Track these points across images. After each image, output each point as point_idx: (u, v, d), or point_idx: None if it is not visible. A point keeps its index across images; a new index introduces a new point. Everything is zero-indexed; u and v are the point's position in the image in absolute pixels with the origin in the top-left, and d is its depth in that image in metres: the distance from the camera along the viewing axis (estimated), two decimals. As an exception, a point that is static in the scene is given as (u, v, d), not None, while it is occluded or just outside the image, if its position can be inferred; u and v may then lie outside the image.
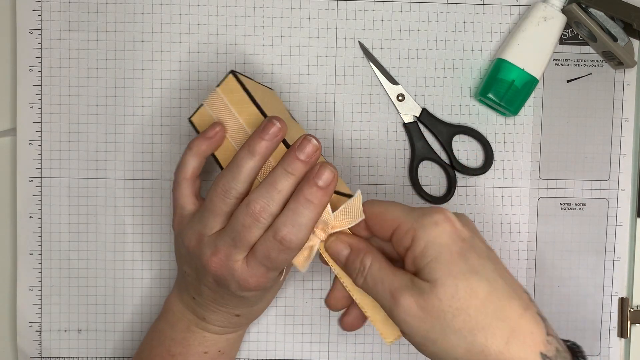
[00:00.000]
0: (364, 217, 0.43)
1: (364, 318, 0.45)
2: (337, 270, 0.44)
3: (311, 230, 0.43)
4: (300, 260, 0.45)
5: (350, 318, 0.46)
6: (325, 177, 0.42)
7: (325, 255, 0.45)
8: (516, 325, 0.38)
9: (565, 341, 0.41)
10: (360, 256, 0.42)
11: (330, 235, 0.44)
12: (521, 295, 0.40)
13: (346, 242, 0.44)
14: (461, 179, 0.56)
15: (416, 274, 0.40)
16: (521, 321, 0.38)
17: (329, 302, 0.46)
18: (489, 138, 0.55)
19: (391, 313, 0.40)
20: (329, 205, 0.43)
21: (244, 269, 0.43)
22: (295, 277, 0.56)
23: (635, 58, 0.54)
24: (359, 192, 0.44)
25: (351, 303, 0.45)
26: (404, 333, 0.41)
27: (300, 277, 0.56)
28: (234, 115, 0.46)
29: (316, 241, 0.44)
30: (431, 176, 0.56)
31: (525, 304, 0.39)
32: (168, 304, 0.51)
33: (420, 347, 0.40)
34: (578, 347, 0.40)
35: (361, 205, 0.44)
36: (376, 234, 0.44)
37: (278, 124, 0.43)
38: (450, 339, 0.38)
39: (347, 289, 0.44)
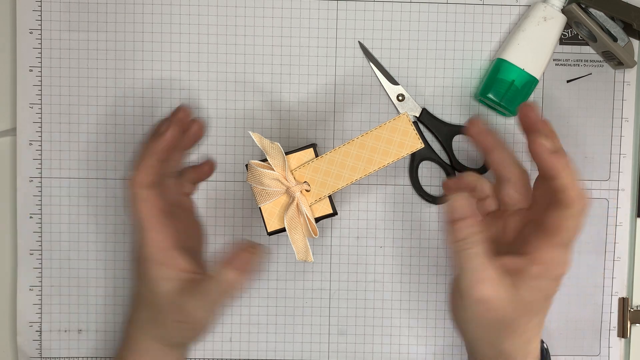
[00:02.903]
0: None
1: None
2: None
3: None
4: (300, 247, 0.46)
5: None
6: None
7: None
8: (532, 347, 0.45)
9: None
10: (475, 229, 0.43)
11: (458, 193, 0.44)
12: None
13: (470, 208, 0.43)
14: (461, 179, 0.56)
15: (512, 274, 0.43)
16: (536, 342, 0.46)
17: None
18: (489, 138, 0.55)
19: (467, 291, 0.42)
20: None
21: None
22: (296, 277, 0.56)
23: (635, 58, 0.54)
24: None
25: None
26: (456, 300, 0.44)
27: (300, 277, 0.56)
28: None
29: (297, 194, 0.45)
30: (431, 176, 0.56)
31: None
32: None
33: (459, 323, 0.45)
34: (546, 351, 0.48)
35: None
36: (546, 173, 0.44)
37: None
38: (491, 339, 0.44)
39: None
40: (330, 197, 0.46)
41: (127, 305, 0.50)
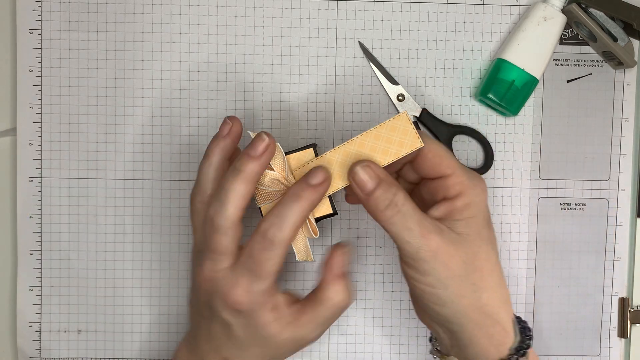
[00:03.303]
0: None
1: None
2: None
3: (297, 228, 0.42)
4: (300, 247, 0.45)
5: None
6: (317, 176, 0.42)
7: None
8: (506, 297, 0.45)
9: (518, 320, 0.47)
10: (393, 190, 0.41)
11: (357, 163, 0.43)
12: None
13: (375, 174, 0.42)
14: (461, 179, 0.56)
15: (441, 221, 0.42)
16: (507, 295, 0.45)
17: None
18: (489, 138, 0.55)
19: (417, 251, 0.41)
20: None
21: (227, 277, 0.42)
22: (295, 277, 0.56)
23: (635, 58, 0.54)
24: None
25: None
26: (421, 274, 0.42)
27: (301, 277, 0.56)
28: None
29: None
30: (431, 176, 0.56)
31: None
32: None
33: (428, 290, 0.42)
34: (528, 327, 0.47)
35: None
36: (420, 171, 0.44)
37: (267, 139, 0.42)
38: (461, 289, 0.42)
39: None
40: (330, 197, 0.46)
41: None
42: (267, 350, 0.44)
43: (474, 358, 0.44)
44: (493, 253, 0.44)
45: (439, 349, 0.49)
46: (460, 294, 0.42)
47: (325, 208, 0.47)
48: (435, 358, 0.49)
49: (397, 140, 0.44)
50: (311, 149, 0.46)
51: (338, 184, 0.45)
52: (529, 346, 0.45)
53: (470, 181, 0.43)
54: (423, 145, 0.43)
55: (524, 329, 0.46)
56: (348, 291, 0.44)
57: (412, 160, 0.45)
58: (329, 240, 0.56)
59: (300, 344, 0.45)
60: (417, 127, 0.55)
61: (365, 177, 0.41)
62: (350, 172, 0.42)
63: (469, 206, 0.42)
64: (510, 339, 0.44)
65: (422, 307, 0.45)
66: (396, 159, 0.44)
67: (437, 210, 0.43)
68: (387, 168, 0.44)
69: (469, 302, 0.43)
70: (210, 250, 0.42)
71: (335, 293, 0.43)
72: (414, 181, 0.47)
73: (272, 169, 0.45)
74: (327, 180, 0.43)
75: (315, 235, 0.46)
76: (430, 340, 0.51)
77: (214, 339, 0.45)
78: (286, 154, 0.46)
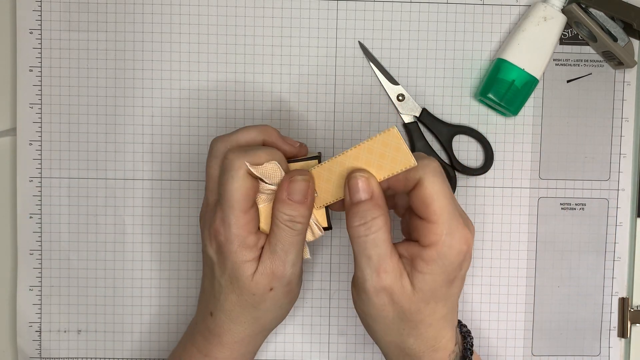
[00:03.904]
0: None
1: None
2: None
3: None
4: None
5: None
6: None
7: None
8: (438, 344, 0.44)
9: (462, 329, 0.47)
10: (376, 213, 0.41)
11: (360, 170, 0.42)
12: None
13: (370, 189, 0.41)
14: (461, 179, 0.56)
15: (405, 259, 0.42)
16: (442, 340, 0.44)
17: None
18: (489, 138, 0.55)
19: (364, 282, 0.42)
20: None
21: (213, 210, 0.45)
22: (295, 277, 0.56)
23: (635, 58, 0.54)
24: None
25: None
26: (361, 301, 0.44)
27: (300, 277, 0.56)
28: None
29: None
30: (431, 176, 0.56)
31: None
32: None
33: (361, 314, 0.45)
34: (469, 338, 0.47)
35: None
36: (410, 201, 0.43)
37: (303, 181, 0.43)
38: (388, 329, 0.43)
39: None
40: (327, 211, 0.46)
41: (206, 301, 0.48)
42: (244, 298, 0.45)
43: None
44: (443, 308, 0.43)
45: None
46: (386, 332, 0.44)
47: (321, 221, 0.46)
48: None
49: (390, 156, 0.42)
50: (316, 161, 0.46)
51: (332, 196, 0.45)
52: (470, 353, 0.45)
53: (450, 237, 0.41)
54: (416, 164, 0.41)
55: (465, 335, 0.47)
56: (296, 206, 0.44)
57: (413, 188, 0.42)
58: (329, 240, 0.56)
59: (278, 296, 0.45)
60: (418, 128, 0.55)
61: (360, 186, 0.41)
62: (349, 176, 0.42)
63: (435, 261, 0.41)
64: None
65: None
66: (391, 175, 0.42)
67: (406, 249, 0.42)
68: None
69: (392, 339, 0.44)
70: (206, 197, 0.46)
71: (284, 208, 0.44)
72: (402, 207, 0.47)
73: (271, 184, 0.45)
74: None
75: (314, 238, 0.46)
76: None
77: (204, 291, 0.47)
78: (290, 162, 0.46)
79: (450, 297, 0.43)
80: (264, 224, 0.45)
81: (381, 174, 0.42)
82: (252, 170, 0.43)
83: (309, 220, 0.45)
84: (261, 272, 0.44)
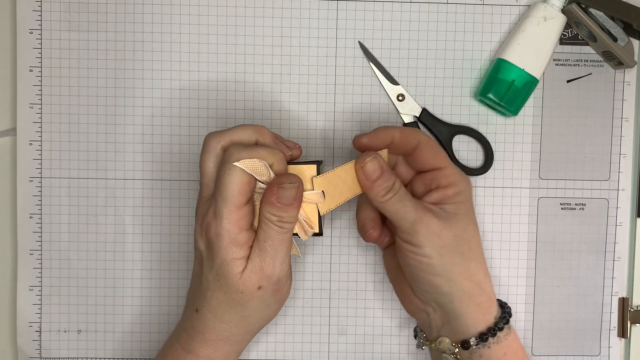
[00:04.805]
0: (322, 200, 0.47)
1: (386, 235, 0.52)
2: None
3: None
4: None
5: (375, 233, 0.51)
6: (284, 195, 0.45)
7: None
8: (487, 271, 0.49)
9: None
10: (393, 177, 0.47)
11: (367, 154, 0.47)
12: None
13: (380, 165, 0.47)
14: (461, 179, 0.56)
15: (434, 205, 0.48)
16: (487, 269, 0.50)
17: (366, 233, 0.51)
18: (489, 138, 0.55)
19: (412, 224, 0.46)
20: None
21: (206, 204, 0.46)
22: (296, 277, 0.56)
23: (635, 58, 0.54)
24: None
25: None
26: (416, 246, 0.46)
27: (301, 277, 0.56)
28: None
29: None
30: (431, 176, 0.56)
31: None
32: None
33: (425, 261, 0.47)
34: (504, 302, 0.51)
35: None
36: (416, 164, 0.49)
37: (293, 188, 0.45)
38: (453, 257, 0.47)
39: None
40: (320, 218, 0.47)
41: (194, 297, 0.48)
42: (231, 296, 0.45)
43: (464, 329, 0.48)
44: (477, 233, 0.49)
45: (424, 337, 0.51)
46: (452, 261, 0.47)
47: (314, 224, 0.47)
48: (423, 349, 0.52)
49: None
50: (314, 166, 0.46)
51: (331, 204, 0.47)
52: (510, 315, 0.49)
53: (460, 174, 0.48)
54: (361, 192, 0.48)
55: (502, 304, 0.51)
56: (280, 208, 0.45)
57: (410, 153, 0.49)
58: (329, 240, 0.56)
59: (264, 280, 0.45)
60: (418, 128, 0.55)
61: (372, 167, 0.46)
62: (360, 162, 0.47)
63: (459, 194, 0.48)
64: (494, 308, 0.49)
65: (418, 282, 0.48)
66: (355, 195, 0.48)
67: (431, 197, 0.48)
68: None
69: (460, 270, 0.47)
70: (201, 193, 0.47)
71: (267, 209, 0.45)
72: (406, 179, 0.51)
73: (262, 182, 0.45)
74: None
75: (306, 238, 0.47)
76: (415, 335, 0.53)
77: (192, 287, 0.48)
78: (290, 164, 0.46)
79: (477, 228, 0.49)
80: (258, 222, 0.46)
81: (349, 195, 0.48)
82: (238, 165, 0.43)
83: (296, 219, 0.46)
84: (250, 270, 0.44)
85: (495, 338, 0.48)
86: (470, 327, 0.48)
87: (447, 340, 0.49)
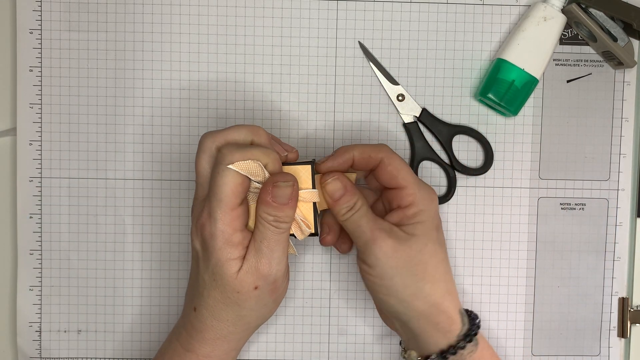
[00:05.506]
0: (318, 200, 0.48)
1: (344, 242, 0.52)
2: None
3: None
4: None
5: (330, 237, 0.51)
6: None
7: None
8: (451, 289, 0.49)
9: (467, 311, 0.51)
10: (355, 197, 0.47)
11: (329, 175, 0.48)
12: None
13: (344, 184, 0.48)
14: (461, 179, 0.56)
15: (396, 226, 0.48)
16: (453, 288, 0.49)
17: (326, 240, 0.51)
18: (489, 138, 0.55)
19: (366, 246, 0.47)
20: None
21: (202, 204, 0.46)
22: (295, 277, 0.56)
23: (635, 58, 0.54)
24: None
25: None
26: (369, 266, 0.47)
27: (300, 277, 0.56)
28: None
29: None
30: (431, 176, 0.56)
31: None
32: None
33: (377, 282, 0.47)
34: (476, 315, 0.51)
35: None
36: (380, 180, 0.49)
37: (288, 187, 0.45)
38: (405, 279, 0.47)
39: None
40: (316, 217, 0.47)
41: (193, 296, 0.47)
42: (227, 296, 0.45)
43: (425, 346, 0.48)
44: (440, 250, 0.48)
45: (404, 347, 0.52)
46: (404, 283, 0.47)
47: (310, 223, 0.47)
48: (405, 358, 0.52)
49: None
50: (309, 166, 0.47)
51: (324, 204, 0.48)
52: (476, 333, 0.49)
53: (421, 193, 0.48)
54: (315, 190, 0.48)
55: (472, 319, 0.50)
56: (277, 208, 0.45)
57: (374, 169, 0.49)
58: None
59: (261, 280, 0.45)
60: (418, 128, 0.55)
61: (334, 187, 0.47)
62: (323, 183, 0.48)
63: (418, 214, 0.47)
64: (457, 326, 0.48)
65: (377, 301, 0.50)
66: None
67: (392, 217, 0.48)
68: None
69: (412, 291, 0.47)
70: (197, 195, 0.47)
71: (263, 209, 0.46)
72: (377, 189, 0.52)
73: (257, 182, 0.45)
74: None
75: (302, 237, 0.47)
76: (400, 343, 0.53)
77: (190, 286, 0.48)
78: (284, 164, 0.46)
79: (443, 242, 0.49)
80: (253, 222, 0.46)
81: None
82: (233, 167, 0.43)
83: (293, 219, 0.46)
84: (246, 270, 0.44)
85: (458, 355, 0.47)
86: (431, 344, 0.48)
87: (415, 354, 0.49)
